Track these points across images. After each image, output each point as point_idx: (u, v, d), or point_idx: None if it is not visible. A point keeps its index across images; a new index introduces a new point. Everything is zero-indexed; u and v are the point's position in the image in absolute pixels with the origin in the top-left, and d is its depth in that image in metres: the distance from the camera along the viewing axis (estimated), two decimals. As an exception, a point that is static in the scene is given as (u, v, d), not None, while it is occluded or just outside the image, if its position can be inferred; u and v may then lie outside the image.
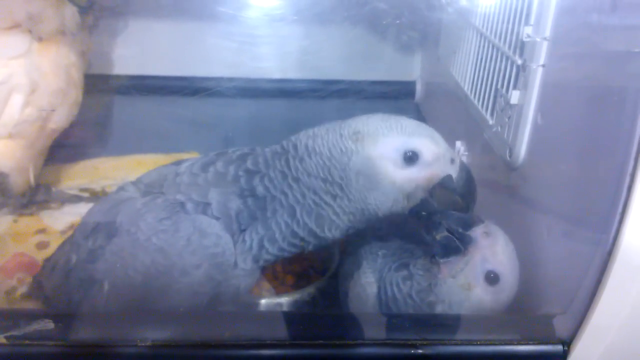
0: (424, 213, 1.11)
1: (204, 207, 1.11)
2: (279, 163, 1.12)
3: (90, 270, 1.14)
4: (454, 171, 1.11)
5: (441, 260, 1.11)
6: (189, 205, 1.10)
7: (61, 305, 1.25)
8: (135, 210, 1.13)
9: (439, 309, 1.11)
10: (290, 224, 1.10)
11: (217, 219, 1.10)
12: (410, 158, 1.07)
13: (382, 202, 1.09)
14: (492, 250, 1.10)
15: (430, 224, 1.13)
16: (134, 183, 1.24)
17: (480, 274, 1.09)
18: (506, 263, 1.11)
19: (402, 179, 1.08)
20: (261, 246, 1.12)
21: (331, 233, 1.12)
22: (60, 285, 1.23)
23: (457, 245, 1.10)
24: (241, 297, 1.19)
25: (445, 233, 1.11)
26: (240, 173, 1.13)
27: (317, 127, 1.15)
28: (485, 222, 1.14)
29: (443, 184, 1.10)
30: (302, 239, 1.12)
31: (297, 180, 1.10)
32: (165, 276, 1.08)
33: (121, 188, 1.24)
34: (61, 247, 1.33)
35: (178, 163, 1.24)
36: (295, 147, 1.13)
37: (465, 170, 1.13)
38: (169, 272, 1.08)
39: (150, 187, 1.19)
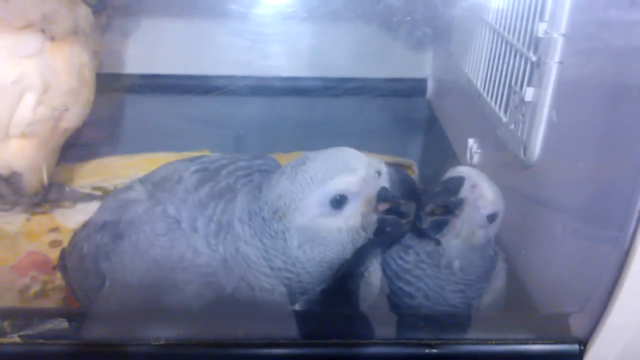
0: (388, 229, 1.07)
1: (196, 230, 1.11)
2: (232, 230, 1.09)
3: (96, 263, 1.18)
4: (385, 181, 1.05)
5: (439, 237, 1.13)
6: (185, 225, 1.11)
7: (75, 287, 1.30)
8: (137, 216, 1.15)
9: (456, 266, 1.14)
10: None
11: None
12: (339, 202, 1.01)
13: (342, 249, 1.05)
14: (483, 198, 1.12)
15: (417, 216, 1.11)
16: (142, 181, 1.25)
17: (480, 220, 1.13)
18: (496, 198, 1.14)
19: (344, 222, 1.03)
20: None
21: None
22: (74, 268, 1.28)
23: (445, 219, 1.12)
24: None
25: (429, 219, 1.11)
26: (215, 218, 1.10)
27: (241, 195, 1.12)
28: (467, 176, 1.15)
29: (382, 199, 1.05)
30: None
31: (247, 262, 1.07)
32: (159, 286, 1.10)
33: (129, 187, 1.25)
34: (83, 227, 1.34)
35: (193, 160, 1.24)
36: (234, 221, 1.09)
37: (394, 174, 1.06)
38: (162, 283, 1.10)
39: (156, 188, 1.20)
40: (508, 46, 1.43)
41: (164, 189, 1.18)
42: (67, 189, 1.95)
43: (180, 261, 1.08)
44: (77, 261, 1.26)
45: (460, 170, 1.17)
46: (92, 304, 1.22)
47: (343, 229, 1.03)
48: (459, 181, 1.14)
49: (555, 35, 1.15)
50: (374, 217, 1.05)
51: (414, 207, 1.07)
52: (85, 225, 1.34)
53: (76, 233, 1.37)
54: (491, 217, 1.13)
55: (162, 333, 0.99)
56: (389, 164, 1.06)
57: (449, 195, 1.12)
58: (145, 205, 1.16)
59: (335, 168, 1.02)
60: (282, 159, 1.30)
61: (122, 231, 1.15)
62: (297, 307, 1.25)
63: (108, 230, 1.19)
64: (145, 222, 1.13)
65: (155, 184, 1.21)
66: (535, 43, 1.25)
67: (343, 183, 1.01)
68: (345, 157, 1.04)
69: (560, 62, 1.16)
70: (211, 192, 1.14)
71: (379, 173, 1.04)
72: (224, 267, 1.09)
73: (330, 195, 1.00)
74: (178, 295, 1.09)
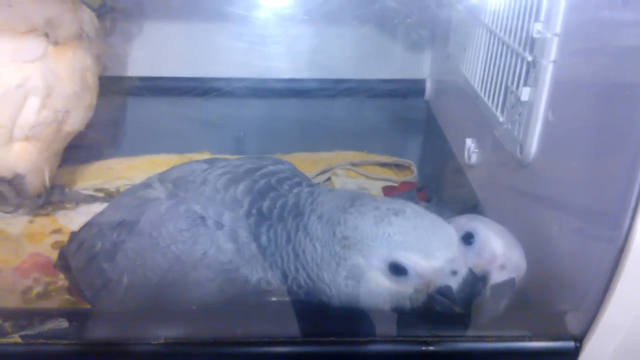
0: (437, 307, 1.03)
1: (221, 226, 1.13)
2: (290, 222, 1.09)
3: (112, 262, 1.19)
4: (455, 283, 1.00)
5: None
6: (210, 222, 1.12)
7: (83, 287, 1.29)
8: (159, 214, 1.16)
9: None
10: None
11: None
12: (397, 270, 0.99)
13: (381, 303, 1.04)
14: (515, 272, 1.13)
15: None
16: (161, 180, 1.26)
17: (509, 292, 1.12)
18: (519, 263, 1.13)
19: (393, 287, 1.02)
20: None
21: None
22: (83, 267, 1.27)
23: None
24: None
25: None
26: (254, 211, 1.12)
27: (325, 195, 1.11)
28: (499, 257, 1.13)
29: (441, 292, 1.01)
30: None
31: (296, 254, 1.08)
32: (181, 284, 1.11)
33: (148, 185, 1.27)
34: (89, 226, 1.35)
35: (211, 163, 1.26)
36: (307, 214, 1.09)
37: (469, 284, 1.01)
38: (185, 280, 1.11)
39: (176, 188, 1.21)
40: (504, 47, 1.44)
41: (187, 189, 1.19)
42: (69, 191, 1.97)
43: (204, 258, 1.09)
44: (86, 260, 1.26)
45: (506, 264, 1.13)
46: (103, 302, 1.22)
47: (391, 290, 1.02)
48: (513, 285, 1.12)
49: (548, 35, 1.15)
50: (424, 296, 1.02)
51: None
52: (92, 224, 1.34)
53: (78, 232, 1.38)
54: (512, 281, 1.14)
55: (170, 332, 1.00)
56: (473, 273, 1.02)
57: (503, 301, 1.11)
58: (167, 204, 1.18)
59: (416, 243, 0.99)
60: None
61: (142, 228, 1.16)
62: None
63: (126, 227, 1.19)
64: (168, 220, 1.14)
65: (175, 183, 1.23)
66: (531, 43, 1.26)
67: (411, 262, 0.99)
68: (435, 239, 1.00)
69: (554, 62, 1.17)
70: (248, 190, 1.15)
71: (454, 273, 1.00)
72: (253, 258, 1.10)
73: (393, 261, 0.99)
74: (201, 292, 1.10)
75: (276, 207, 1.12)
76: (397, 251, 0.99)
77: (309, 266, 1.06)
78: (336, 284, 1.04)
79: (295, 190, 1.15)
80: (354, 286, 1.04)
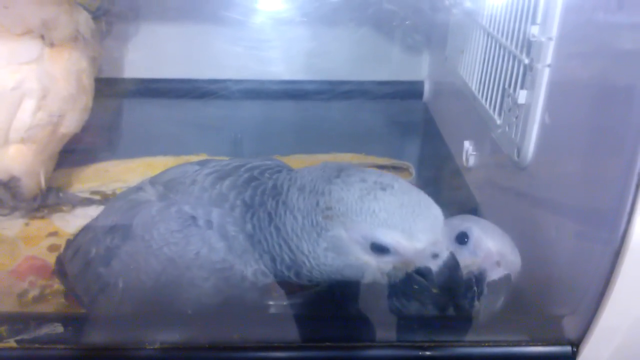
0: (415, 287, 1.03)
1: (211, 225, 1.12)
2: (271, 202, 1.09)
3: (107, 267, 1.18)
4: (435, 265, 1.00)
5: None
6: (201, 221, 1.12)
7: (80, 293, 1.29)
8: (150, 216, 1.16)
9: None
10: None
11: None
12: (379, 248, 0.99)
13: (361, 277, 1.04)
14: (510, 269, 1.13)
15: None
16: (152, 183, 1.26)
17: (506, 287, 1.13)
18: (513, 260, 1.13)
19: (372, 263, 1.02)
20: None
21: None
22: (80, 273, 1.27)
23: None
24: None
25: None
26: (238, 202, 1.12)
27: (308, 169, 1.10)
28: (497, 258, 1.13)
29: (420, 273, 1.01)
30: None
31: (277, 229, 1.07)
32: (175, 285, 1.11)
33: (140, 188, 1.27)
34: (85, 231, 1.35)
35: (202, 164, 1.26)
36: (285, 190, 1.08)
37: (449, 268, 1.00)
38: (179, 281, 1.10)
39: (167, 190, 1.21)
40: (502, 49, 1.44)
41: (178, 190, 1.19)
42: (65, 193, 1.96)
43: (197, 258, 1.09)
44: (82, 266, 1.26)
45: (501, 261, 1.13)
46: (100, 308, 1.22)
47: (370, 265, 1.02)
48: (509, 281, 1.12)
49: (543, 39, 1.15)
50: (403, 274, 1.02)
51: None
52: (87, 229, 1.35)
53: (74, 239, 1.38)
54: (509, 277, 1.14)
55: (166, 336, 0.99)
56: (454, 257, 1.01)
57: (501, 297, 1.11)
58: (158, 206, 1.17)
59: (401, 222, 0.97)
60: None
61: (134, 232, 1.16)
62: (293, 309, 1.26)
63: (119, 231, 1.19)
64: (160, 222, 1.13)
65: (166, 185, 1.22)
66: (528, 46, 1.26)
67: (394, 241, 0.98)
68: (420, 220, 0.98)
69: (549, 66, 1.17)
70: (233, 185, 1.15)
71: (435, 256, 1.00)
72: (244, 251, 1.09)
73: (374, 239, 0.98)
74: (195, 293, 1.09)
75: (257, 195, 1.11)
76: (380, 229, 0.97)
77: (289, 237, 1.05)
78: (315, 255, 1.03)
79: (275, 176, 1.15)
80: (333, 258, 1.03)
